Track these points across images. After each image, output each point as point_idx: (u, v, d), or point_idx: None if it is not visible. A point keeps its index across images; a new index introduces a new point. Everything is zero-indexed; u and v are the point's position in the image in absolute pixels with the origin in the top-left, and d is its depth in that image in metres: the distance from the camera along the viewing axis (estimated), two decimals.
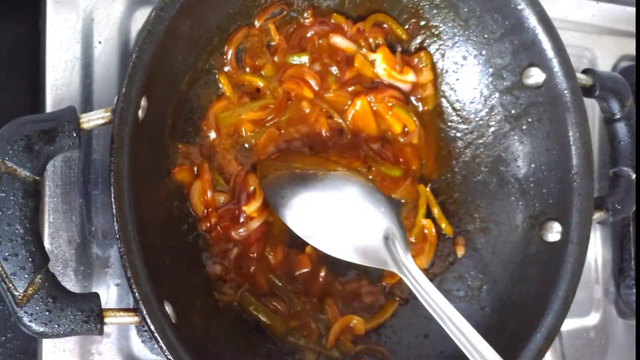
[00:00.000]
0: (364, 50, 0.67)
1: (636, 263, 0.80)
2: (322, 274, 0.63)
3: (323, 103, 0.65)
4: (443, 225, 0.68)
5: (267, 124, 0.63)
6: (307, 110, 0.65)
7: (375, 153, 0.66)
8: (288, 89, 0.64)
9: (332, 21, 0.66)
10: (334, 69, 0.66)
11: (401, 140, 0.68)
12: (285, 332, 0.61)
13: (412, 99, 0.69)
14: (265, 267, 0.62)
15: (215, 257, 0.60)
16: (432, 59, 0.68)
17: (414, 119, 0.67)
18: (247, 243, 0.61)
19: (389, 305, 0.65)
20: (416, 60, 0.68)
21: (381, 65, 0.66)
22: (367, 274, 0.66)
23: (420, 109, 0.69)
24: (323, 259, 0.63)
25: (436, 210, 0.68)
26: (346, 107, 0.66)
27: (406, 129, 0.68)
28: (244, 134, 0.62)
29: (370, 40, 0.67)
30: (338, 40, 0.66)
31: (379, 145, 0.67)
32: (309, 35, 0.65)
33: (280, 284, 0.62)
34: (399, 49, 0.68)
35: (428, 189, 0.68)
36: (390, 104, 0.67)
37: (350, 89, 0.66)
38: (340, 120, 0.66)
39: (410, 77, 0.67)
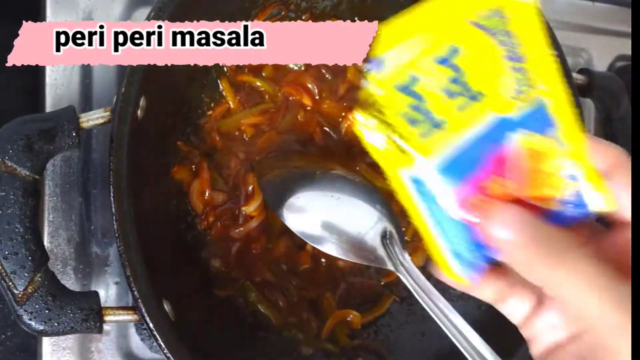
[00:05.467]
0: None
1: (632, 262, 0.80)
2: (323, 260, 0.64)
3: (318, 115, 0.65)
4: None
5: (267, 129, 0.63)
6: (302, 118, 0.64)
7: (369, 166, 0.66)
8: (287, 93, 0.64)
9: None
10: (329, 76, 0.66)
11: None
12: (283, 325, 0.61)
13: None
14: (268, 258, 0.62)
15: (216, 253, 0.61)
16: None
17: None
18: (247, 239, 0.62)
19: (385, 300, 0.66)
20: None
21: None
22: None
23: None
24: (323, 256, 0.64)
25: None
26: (340, 119, 0.66)
27: None
28: (243, 137, 0.63)
29: None
30: None
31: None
32: None
33: (283, 272, 0.62)
34: None
35: None
36: None
37: (344, 103, 0.66)
38: (333, 134, 0.66)
39: None
